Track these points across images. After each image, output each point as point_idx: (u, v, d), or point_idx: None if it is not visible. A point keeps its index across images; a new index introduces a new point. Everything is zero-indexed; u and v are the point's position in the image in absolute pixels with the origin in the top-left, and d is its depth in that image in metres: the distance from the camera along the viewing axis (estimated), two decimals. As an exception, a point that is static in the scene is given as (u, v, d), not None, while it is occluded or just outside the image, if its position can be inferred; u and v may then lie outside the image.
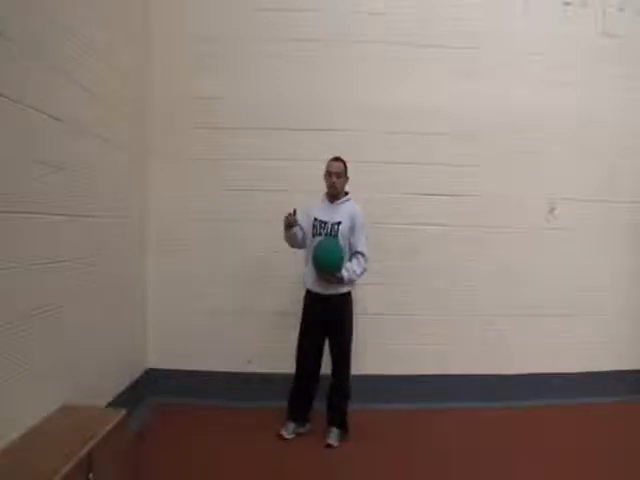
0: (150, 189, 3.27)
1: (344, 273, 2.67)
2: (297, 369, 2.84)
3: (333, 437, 2.75)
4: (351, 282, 2.75)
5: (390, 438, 2.86)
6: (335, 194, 2.81)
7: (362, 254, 2.73)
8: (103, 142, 2.53)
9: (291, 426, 2.85)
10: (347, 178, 2.84)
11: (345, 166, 2.82)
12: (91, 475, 1.66)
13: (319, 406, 2.87)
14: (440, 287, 3.44)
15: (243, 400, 3.19)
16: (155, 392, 3.25)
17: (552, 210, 3.50)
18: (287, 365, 2.91)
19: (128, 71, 2.91)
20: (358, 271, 2.72)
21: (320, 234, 2.74)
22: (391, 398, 3.27)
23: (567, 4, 3.49)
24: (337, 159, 2.81)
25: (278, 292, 3.29)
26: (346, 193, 2.86)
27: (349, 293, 2.79)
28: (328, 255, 2.66)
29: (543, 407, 3.33)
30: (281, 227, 2.77)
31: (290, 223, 2.72)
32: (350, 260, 2.73)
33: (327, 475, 2.48)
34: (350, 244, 2.75)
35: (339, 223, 2.73)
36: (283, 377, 2.93)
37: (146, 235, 3.25)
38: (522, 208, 3.48)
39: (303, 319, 2.85)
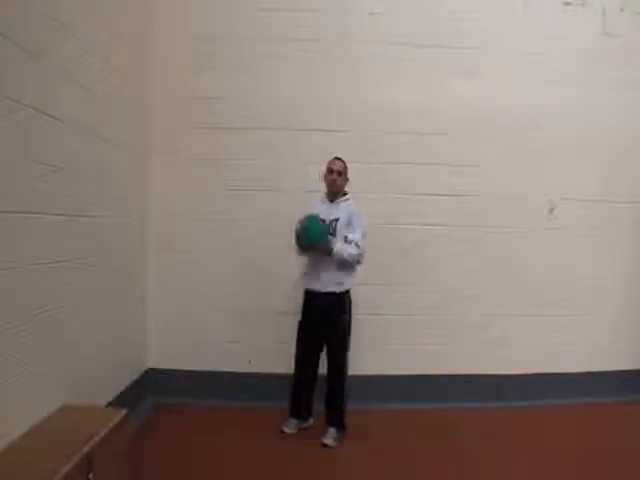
0: (150, 189, 3.27)
1: (335, 243, 2.65)
2: (295, 368, 2.87)
3: (330, 437, 2.75)
4: (344, 263, 2.69)
5: (390, 438, 2.86)
6: (335, 192, 2.82)
7: (357, 244, 2.69)
8: (103, 142, 2.53)
9: (293, 422, 2.88)
10: (347, 179, 2.86)
11: (346, 166, 2.83)
12: (91, 475, 1.66)
13: (319, 406, 2.87)
14: (440, 287, 3.43)
15: (243, 400, 3.19)
16: (155, 392, 3.24)
17: (552, 210, 3.50)
18: (287, 365, 2.91)
19: (128, 71, 2.90)
20: (353, 252, 2.66)
21: None
22: (391, 398, 3.27)
23: (567, 4, 3.49)
24: (338, 158, 2.83)
25: (278, 292, 3.29)
26: (345, 194, 2.87)
27: (347, 292, 2.78)
28: (309, 225, 2.66)
29: (543, 407, 3.33)
30: (279, 227, 2.76)
31: None
32: None
33: (327, 475, 2.48)
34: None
35: (337, 220, 2.75)
36: (283, 377, 2.93)
37: (146, 235, 3.25)
38: (522, 208, 3.47)
39: (301, 319, 2.87)
